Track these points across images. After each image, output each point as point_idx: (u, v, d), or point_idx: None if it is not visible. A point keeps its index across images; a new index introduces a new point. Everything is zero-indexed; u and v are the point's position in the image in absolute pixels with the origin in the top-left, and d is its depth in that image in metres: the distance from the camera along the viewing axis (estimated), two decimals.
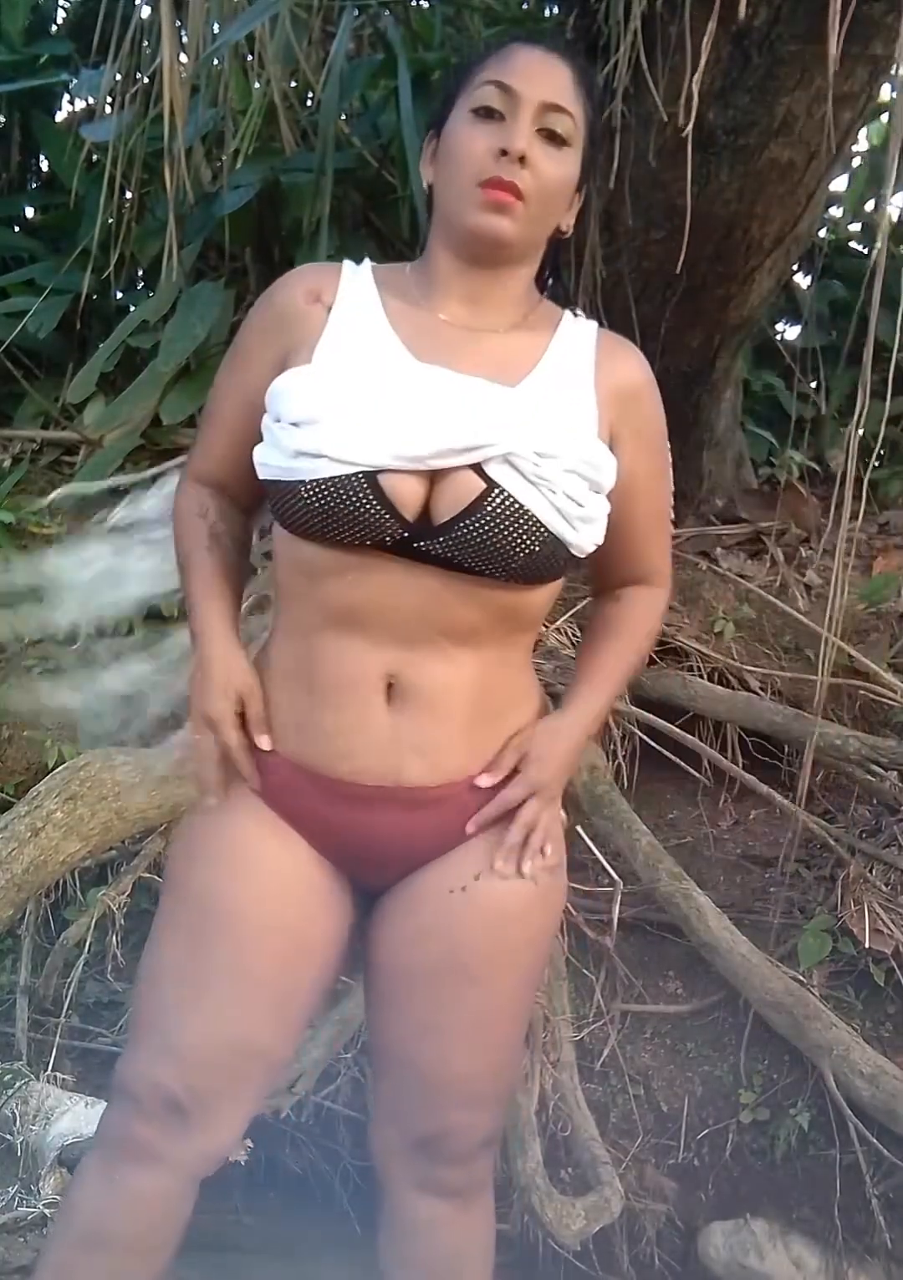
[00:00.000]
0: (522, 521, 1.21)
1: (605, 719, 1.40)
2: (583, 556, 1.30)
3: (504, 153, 1.23)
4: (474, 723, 1.30)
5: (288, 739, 1.31)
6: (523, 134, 1.24)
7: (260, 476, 1.28)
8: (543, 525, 1.22)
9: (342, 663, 1.26)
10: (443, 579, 1.23)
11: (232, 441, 1.37)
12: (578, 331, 1.36)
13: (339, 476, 1.20)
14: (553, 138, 1.26)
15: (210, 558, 1.37)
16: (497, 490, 1.21)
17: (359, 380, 1.25)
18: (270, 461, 1.26)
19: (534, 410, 1.25)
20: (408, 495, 1.21)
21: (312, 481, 1.21)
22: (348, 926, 1.37)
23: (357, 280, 1.34)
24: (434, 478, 1.22)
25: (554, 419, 1.26)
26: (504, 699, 1.33)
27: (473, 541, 1.21)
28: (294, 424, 1.23)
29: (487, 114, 1.25)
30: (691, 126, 2.19)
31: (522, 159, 1.23)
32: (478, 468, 1.21)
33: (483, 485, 1.21)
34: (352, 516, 1.21)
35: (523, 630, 1.34)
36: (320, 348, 1.28)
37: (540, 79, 1.26)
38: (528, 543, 1.22)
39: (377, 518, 1.21)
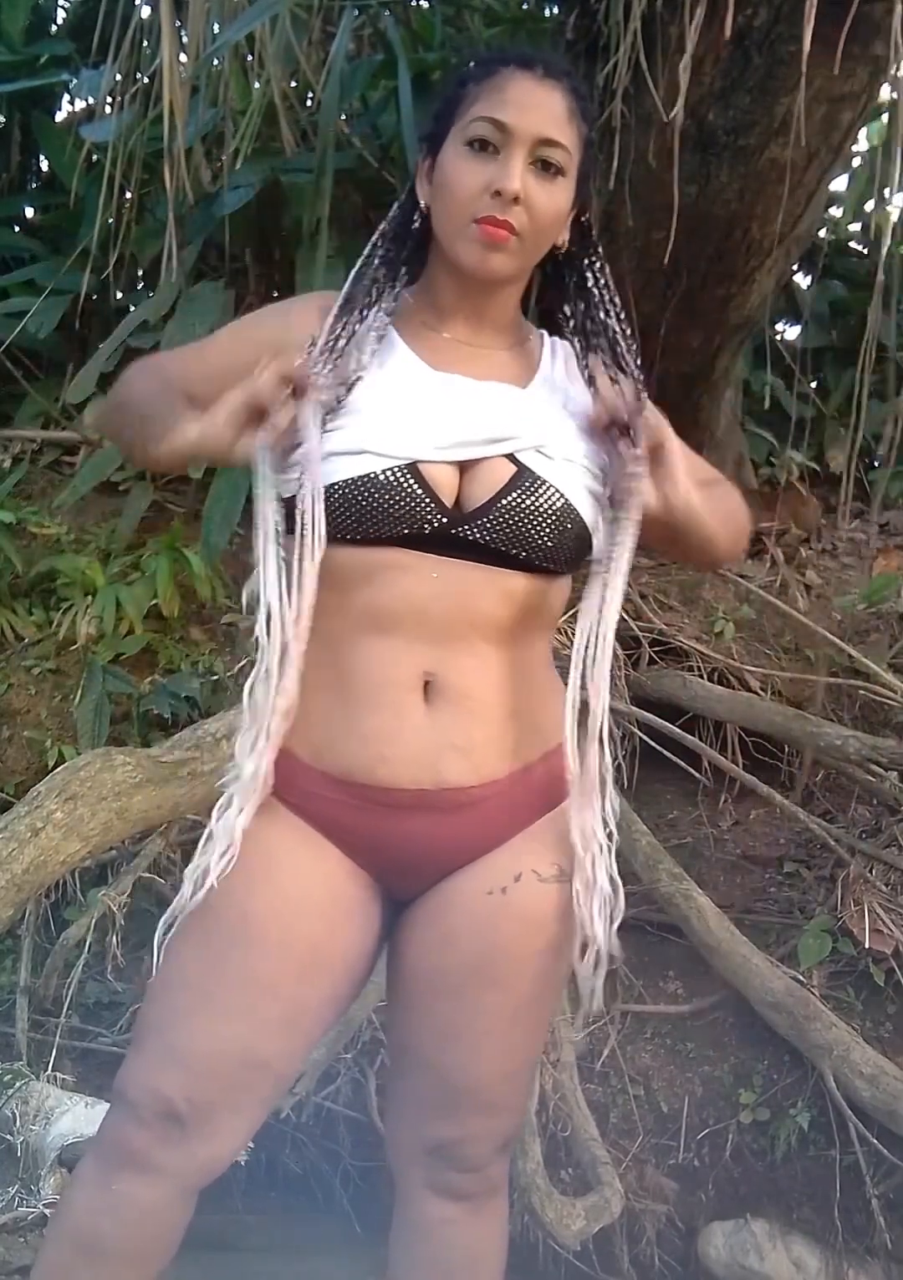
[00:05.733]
0: (553, 502, 1.26)
1: (693, 510, 1.27)
2: (595, 548, 1.32)
3: (498, 193, 1.25)
4: (509, 720, 1.31)
5: (320, 751, 1.30)
6: (516, 173, 1.24)
7: (286, 496, 1.28)
8: (572, 505, 1.27)
9: (377, 666, 1.27)
10: (474, 572, 1.26)
11: (213, 358, 1.36)
12: (560, 346, 1.42)
13: (380, 471, 1.23)
14: (547, 168, 1.27)
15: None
16: (528, 473, 1.26)
17: (385, 384, 1.29)
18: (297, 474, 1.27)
19: (551, 407, 1.32)
20: (445, 483, 1.26)
21: (350, 479, 1.23)
22: (374, 939, 1.35)
23: None
24: (464, 467, 1.27)
25: (567, 415, 1.33)
26: (533, 697, 1.34)
27: (507, 524, 1.25)
28: (325, 431, 1.25)
29: (481, 146, 1.26)
30: (679, 126, 2.19)
31: (515, 199, 1.25)
32: (509, 456, 1.27)
33: (514, 469, 1.26)
34: (392, 507, 1.23)
35: (544, 628, 1.37)
36: None
37: (534, 112, 1.26)
38: (560, 522, 1.27)
39: (417, 506, 1.24)
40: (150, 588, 2.96)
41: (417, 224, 1.36)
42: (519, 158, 1.25)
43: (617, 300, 1.39)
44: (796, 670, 3.11)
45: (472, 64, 1.32)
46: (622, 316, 1.38)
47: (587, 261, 1.39)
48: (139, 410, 1.32)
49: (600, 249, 1.40)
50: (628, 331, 1.37)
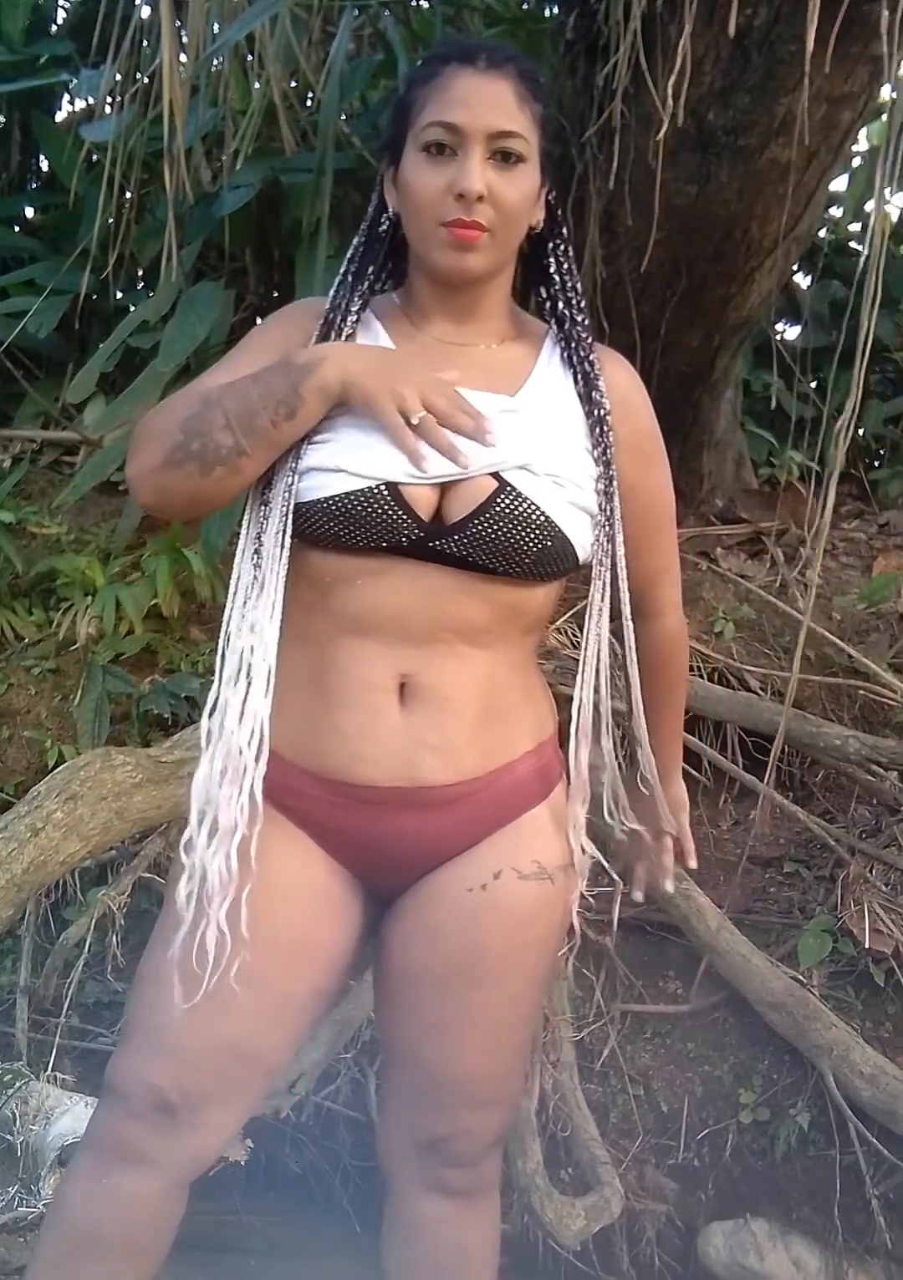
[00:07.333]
0: (533, 518, 1.25)
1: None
2: (585, 558, 1.33)
3: (461, 195, 1.24)
4: (486, 720, 1.31)
5: (301, 748, 1.31)
6: (475, 172, 1.24)
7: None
8: (553, 522, 1.26)
9: (355, 667, 1.28)
10: (453, 579, 1.26)
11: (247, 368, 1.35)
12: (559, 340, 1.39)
13: (357, 489, 1.24)
14: (506, 158, 1.26)
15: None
16: (508, 489, 1.25)
17: None
18: (283, 480, 1.28)
19: (536, 420, 1.30)
20: (424, 499, 1.25)
21: (329, 496, 1.24)
22: (357, 934, 1.37)
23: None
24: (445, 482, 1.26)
25: (554, 426, 1.31)
26: (514, 697, 1.34)
27: (487, 539, 1.24)
28: (311, 444, 1.27)
29: (437, 150, 1.26)
30: (667, 128, 2.19)
31: (479, 197, 1.24)
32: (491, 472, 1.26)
33: (494, 485, 1.25)
34: (369, 520, 1.24)
35: (529, 630, 1.36)
36: None
37: (483, 108, 1.25)
38: (540, 538, 1.25)
39: (394, 520, 1.24)
40: (150, 588, 2.96)
41: (384, 228, 1.36)
42: (476, 155, 1.24)
43: (577, 286, 1.38)
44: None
45: (419, 64, 1.33)
46: (581, 306, 1.37)
47: (552, 243, 1.38)
48: (196, 440, 1.24)
49: (565, 229, 1.39)
50: (584, 321, 1.36)
